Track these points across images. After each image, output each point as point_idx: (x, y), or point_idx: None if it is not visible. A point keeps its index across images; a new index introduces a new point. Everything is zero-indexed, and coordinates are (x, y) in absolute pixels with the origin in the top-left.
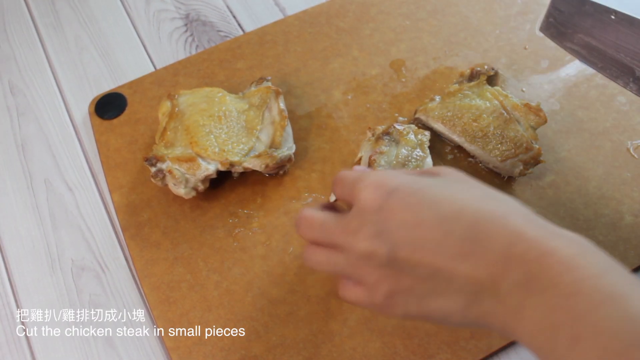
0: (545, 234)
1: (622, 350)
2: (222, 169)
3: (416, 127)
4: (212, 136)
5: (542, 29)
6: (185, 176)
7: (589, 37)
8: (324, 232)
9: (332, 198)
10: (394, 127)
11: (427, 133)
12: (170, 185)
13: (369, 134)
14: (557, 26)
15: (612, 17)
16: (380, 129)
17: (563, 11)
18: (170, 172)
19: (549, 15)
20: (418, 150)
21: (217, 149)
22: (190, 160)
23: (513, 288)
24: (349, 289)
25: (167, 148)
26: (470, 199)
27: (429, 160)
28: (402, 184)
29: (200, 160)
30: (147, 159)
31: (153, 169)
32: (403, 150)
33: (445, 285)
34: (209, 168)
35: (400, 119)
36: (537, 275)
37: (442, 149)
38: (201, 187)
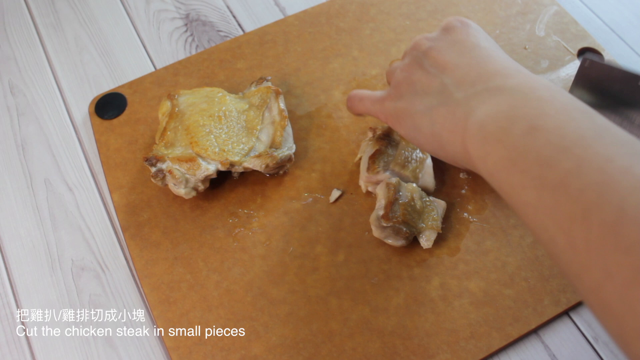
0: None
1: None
2: (222, 169)
3: None
4: (212, 136)
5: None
6: (185, 176)
7: (617, 103)
8: (368, 98)
9: (333, 198)
10: None
11: None
12: (170, 186)
13: (370, 134)
14: (586, 93)
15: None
16: (381, 129)
17: (592, 77)
18: (170, 172)
19: (577, 81)
20: (418, 151)
21: (217, 149)
22: (190, 160)
23: (483, 90)
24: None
25: (167, 148)
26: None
27: (429, 161)
28: (482, 30)
29: (200, 160)
30: (147, 159)
31: (153, 169)
32: (403, 151)
33: (438, 84)
34: (209, 168)
35: None
36: (507, 86)
37: None
38: (201, 187)
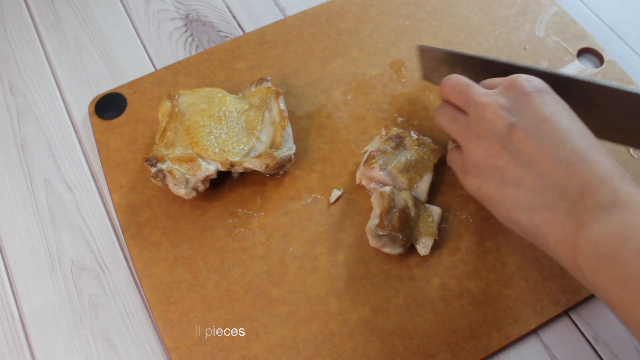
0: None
1: None
2: (222, 169)
3: (433, 144)
4: (212, 136)
5: (423, 78)
6: (185, 176)
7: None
8: (465, 92)
9: (333, 198)
10: (411, 133)
11: (440, 155)
12: (171, 186)
13: (383, 132)
14: (431, 74)
15: (471, 61)
16: (395, 130)
17: (430, 64)
18: (170, 172)
19: (422, 67)
20: (422, 163)
21: (217, 149)
22: (190, 160)
23: (594, 206)
24: (451, 152)
25: (167, 148)
26: (596, 147)
27: (428, 176)
28: (553, 93)
29: (200, 161)
30: (147, 160)
31: (153, 170)
32: (408, 156)
33: (535, 178)
34: (209, 168)
35: (400, 119)
36: (624, 203)
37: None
38: (201, 188)
